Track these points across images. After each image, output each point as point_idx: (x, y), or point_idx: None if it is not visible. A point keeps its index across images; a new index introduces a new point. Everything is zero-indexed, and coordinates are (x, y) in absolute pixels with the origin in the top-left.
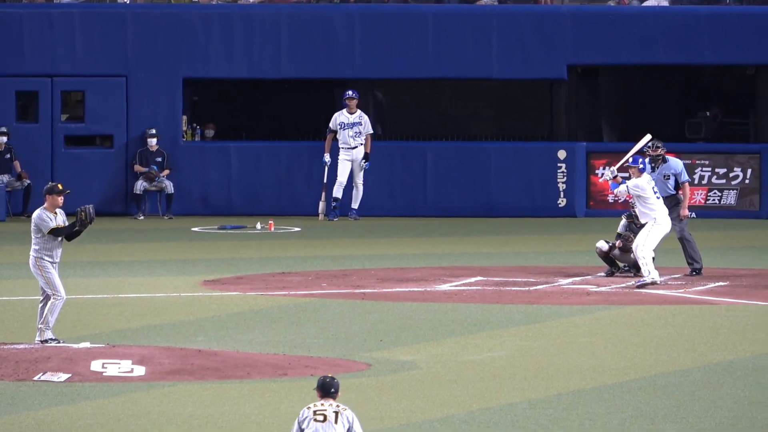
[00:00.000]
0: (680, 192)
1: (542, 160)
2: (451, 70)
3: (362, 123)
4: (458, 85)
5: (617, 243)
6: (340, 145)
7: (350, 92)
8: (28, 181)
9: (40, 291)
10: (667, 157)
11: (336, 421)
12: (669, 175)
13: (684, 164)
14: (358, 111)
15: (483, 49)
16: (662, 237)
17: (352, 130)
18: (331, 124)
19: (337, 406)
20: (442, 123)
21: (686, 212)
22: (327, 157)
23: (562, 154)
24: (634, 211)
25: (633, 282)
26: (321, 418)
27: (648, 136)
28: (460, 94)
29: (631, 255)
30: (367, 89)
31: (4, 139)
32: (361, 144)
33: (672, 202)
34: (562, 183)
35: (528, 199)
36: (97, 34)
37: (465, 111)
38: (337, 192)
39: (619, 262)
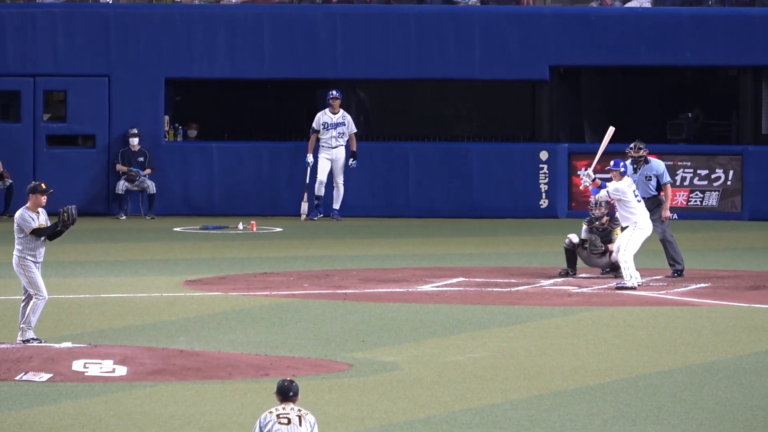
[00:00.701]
0: (662, 193)
1: (524, 161)
2: (434, 71)
3: (345, 123)
4: (440, 85)
5: (586, 245)
6: (321, 145)
7: (334, 92)
8: (10, 181)
9: (23, 290)
10: (649, 158)
11: (300, 424)
12: (651, 176)
13: (666, 165)
14: (341, 111)
15: (465, 50)
16: (644, 240)
17: (335, 130)
18: (314, 124)
19: (299, 410)
20: (425, 124)
21: (668, 214)
22: (310, 158)
23: (544, 155)
24: (594, 213)
25: (614, 284)
26: (285, 421)
27: (611, 129)
28: (442, 95)
29: (601, 259)
30: (349, 90)
31: None
32: (343, 144)
33: (654, 204)
34: (544, 184)
35: (510, 200)
36: (80, 33)
37: (447, 112)
38: (319, 191)
39: (586, 263)
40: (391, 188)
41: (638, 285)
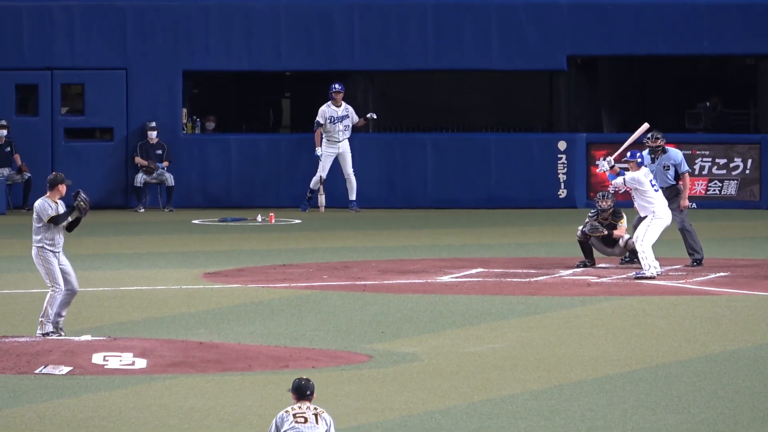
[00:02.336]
0: (680, 183)
1: (542, 151)
2: (451, 62)
3: (349, 115)
4: (458, 76)
5: (595, 233)
6: (327, 139)
7: (337, 85)
8: (29, 175)
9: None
10: (667, 147)
11: (317, 422)
12: (669, 166)
13: (684, 155)
14: (344, 104)
15: (483, 41)
16: (662, 230)
17: (341, 123)
18: (319, 118)
19: (315, 408)
20: (442, 115)
21: (686, 203)
22: (319, 150)
23: (562, 145)
24: (601, 206)
25: (632, 273)
26: (302, 420)
27: (646, 125)
28: (459, 86)
29: (614, 248)
30: (366, 81)
31: (4, 132)
32: (348, 137)
33: (672, 193)
34: (563, 174)
35: (528, 190)
36: (97, 27)
37: (465, 102)
38: (315, 185)
39: (602, 253)
40: (409, 179)
41: (657, 274)
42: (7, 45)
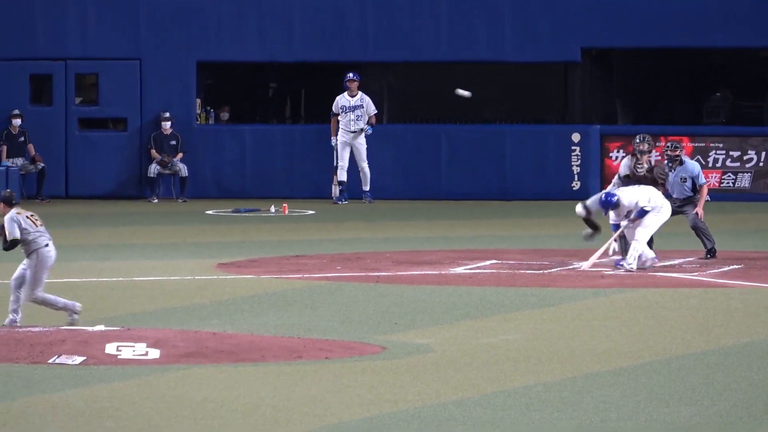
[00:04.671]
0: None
1: (556, 143)
2: (464, 54)
3: (364, 105)
4: (471, 68)
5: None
6: (341, 128)
7: (351, 74)
8: (42, 165)
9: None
10: (684, 158)
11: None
12: (686, 178)
13: (698, 147)
14: (360, 93)
15: (496, 32)
16: (663, 223)
17: (353, 113)
18: (333, 108)
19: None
20: (456, 106)
21: (702, 212)
22: (334, 140)
23: (576, 137)
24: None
25: (648, 263)
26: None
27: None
28: (473, 78)
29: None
30: (379, 73)
31: (19, 122)
32: (362, 129)
33: (688, 202)
34: (577, 166)
35: (542, 182)
36: (110, 17)
37: (479, 94)
38: (342, 175)
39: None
40: (423, 171)
41: (636, 269)
42: (21, 35)
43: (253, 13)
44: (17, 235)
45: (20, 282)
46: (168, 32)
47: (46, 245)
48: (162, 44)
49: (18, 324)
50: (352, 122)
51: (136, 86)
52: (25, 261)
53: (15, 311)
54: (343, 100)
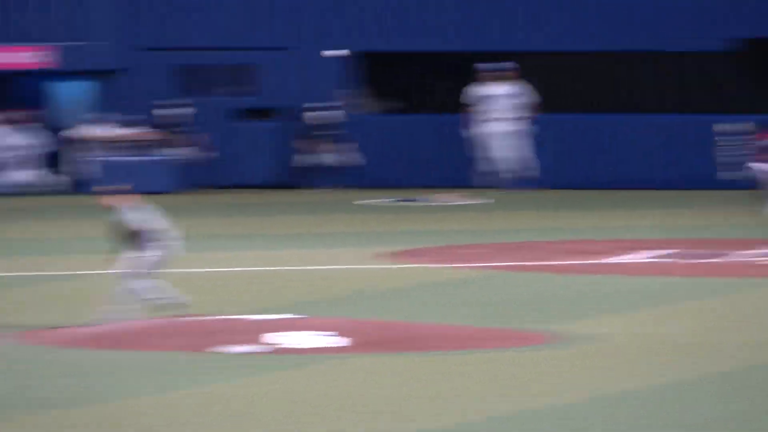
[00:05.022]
0: None
1: (723, 132)
2: (625, 43)
3: (521, 93)
4: (632, 57)
5: None
6: (494, 117)
7: (494, 65)
8: (207, 154)
9: None
10: None
11: None
12: None
13: None
14: (509, 83)
15: (656, 21)
16: None
17: (508, 101)
18: (469, 98)
19: None
20: (616, 96)
21: None
22: (470, 131)
23: (740, 127)
24: None
25: None
26: None
27: None
28: (633, 67)
29: None
30: (541, 62)
31: (190, 110)
32: (514, 117)
33: None
34: (741, 155)
35: (709, 172)
36: (268, 7)
37: (639, 84)
38: (507, 165)
39: None
40: (582, 160)
41: None
42: (175, 26)
43: (413, 2)
44: (139, 226)
45: (152, 266)
46: (327, 22)
47: (165, 239)
48: (321, 34)
49: (185, 303)
50: (497, 112)
51: (292, 76)
52: (139, 251)
53: (172, 295)
54: (485, 89)
